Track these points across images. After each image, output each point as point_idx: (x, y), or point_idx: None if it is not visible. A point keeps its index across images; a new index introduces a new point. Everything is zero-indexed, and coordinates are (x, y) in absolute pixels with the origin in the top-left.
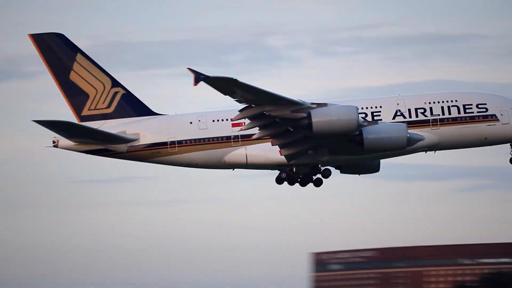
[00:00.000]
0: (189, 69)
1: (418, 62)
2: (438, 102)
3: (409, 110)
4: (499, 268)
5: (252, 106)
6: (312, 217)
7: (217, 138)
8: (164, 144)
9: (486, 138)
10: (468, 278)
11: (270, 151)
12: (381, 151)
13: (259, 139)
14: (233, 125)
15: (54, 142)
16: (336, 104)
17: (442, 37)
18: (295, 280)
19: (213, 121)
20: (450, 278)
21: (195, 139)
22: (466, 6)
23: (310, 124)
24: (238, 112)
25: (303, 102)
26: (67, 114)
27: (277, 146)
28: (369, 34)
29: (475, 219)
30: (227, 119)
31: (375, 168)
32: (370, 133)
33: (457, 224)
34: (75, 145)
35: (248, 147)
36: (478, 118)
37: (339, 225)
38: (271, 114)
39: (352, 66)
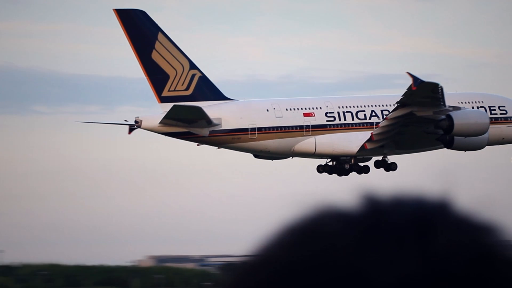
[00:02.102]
0: (408, 73)
1: None
2: (468, 102)
3: None
4: None
5: (405, 105)
6: None
7: (291, 127)
8: (245, 130)
9: (503, 139)
10: None
11: (337, 141)
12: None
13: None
14: (305, 115)
15: (136, 122)
16: (468, 108)
17: None
18: None
19: (287, 109)
20: None
21: (272, 127)
22: None
23: (451, 126)
24: (390, 112)
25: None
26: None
27: (352, 136)
28: None
29: None
30: (299, 108)
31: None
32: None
33: None
34: (159, 126)
35: (317, 137)
36: (500, 120)
37: None
38: (417, 114)
39: None
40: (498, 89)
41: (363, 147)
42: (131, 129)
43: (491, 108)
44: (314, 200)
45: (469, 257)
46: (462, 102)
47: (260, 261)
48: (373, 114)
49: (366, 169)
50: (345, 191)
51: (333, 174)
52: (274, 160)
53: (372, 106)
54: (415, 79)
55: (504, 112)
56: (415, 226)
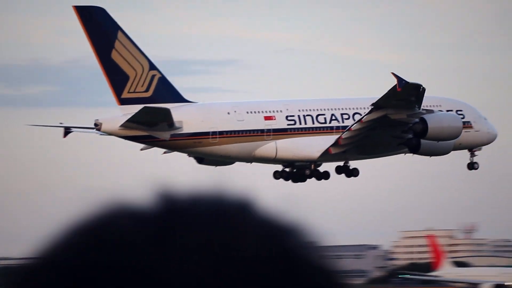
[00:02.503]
0: (393, 73)
1: None
2: (426, 106)
3: None
4: None
5: (379, 108)
6: None
7: (253, 131)
8: (206, 134)
9: (460, 144)
10: None
11: (298, 146)
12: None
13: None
14: (266, 118)
15: (96, 125)
16: (440, 111)
17: None
18: None
19: (247, 112)
20: None
21: (233, 131)
22: None
23: (425, 130)
24: (363, 115)
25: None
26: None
27: (313, 141)
28: None
29: None
30: (260, 111)
31: None
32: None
33: None
34: (120, 129)
35: (278, 141)
36: None
37: None
38: (391, 117)
39: None
40: (304, 75)
41: (326, 152)
42: (66, 132)
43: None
44: (106, 197)
45: (270, 257)
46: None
47: (43, 264)
48: (333, 117)
49: (326, 175)
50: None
51: (289, 181)
52: (217, 167)
53: (331, 109)
54: (399, 80)
55: (462, 116)
56: (214, 226)
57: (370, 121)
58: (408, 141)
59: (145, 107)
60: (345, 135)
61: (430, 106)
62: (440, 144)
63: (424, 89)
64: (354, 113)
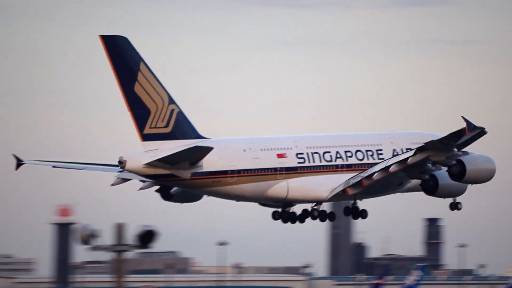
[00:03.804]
0: (463, 117)
1: None
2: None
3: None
4: None
5: (423, 150)
6: None
7: (267, 169)
8: (225, 172)
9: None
10: None
11: (309, 186)
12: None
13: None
14: (279, 156)
15: (121, 162)
16: (475, 153)
17: None
18: None
19: (261, 150)
20: None
21: (250, 169)
22: None
23: (463, 172)
24: (411, 156)
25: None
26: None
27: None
28: None
29: None
30: (272, 149)
31: None
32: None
33: None
34: (144, 167)
35: (289, 180)
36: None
37: None
38: (431, 159)
39: None
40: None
41: (343, 192)
42: (19, 164)
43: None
44: None
45: None
46: (413, 143)
47: None
48: (338, 155)
49: (332, 216)
50: None
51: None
52: (183, 204)
53: (336, 146)
54: (469, 124)
55: None
56: None
57: (414, 163)
58: (425, 183)
59: (196, 146)
60: (376, 176)
61: (421, 142)
62: (457, 186)
63: (486, 132)
64: (357, 150)
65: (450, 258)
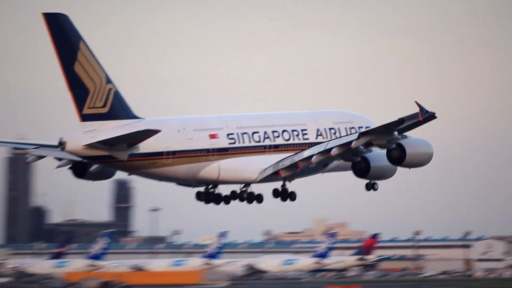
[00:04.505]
0: (416, 102)
1: None
2: (340, 122)
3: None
4: None
5: (366, 134)
6: None
7: (201, 150)
8: (161, 154)
9: None
10: None
11: (240, 167)
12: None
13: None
14: (211, 137)
15: (61, 143)
16: (413, 137)
17: None
18: None
19: (195, 130)
20: None
21: (184, 151)
22: None
23: (403, 156)
24: (354, 140)
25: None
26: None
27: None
28: None
29: None
30: (204, 129)
31: None
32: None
33: None
34: (83, 148)
35: (220, 162)
36: None
37: None
38: (373, 143)
39: None
40: None
41: (274, 174)
42: None
43: (360, 129)
44: None
45: None
46: (335, 122)
47: None
48: (266, 135)
49: (259, 198)
50: None
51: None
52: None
53: (264, 126)
54: (422, 109)
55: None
56: None
57: (356, 147)
58: (357, 165)
59: (146, 130)
60: (315, 158)
61: (343, 121)
62: (387, 168)
63: (436, 117)
64: (283, 130)
65: (141, 224)
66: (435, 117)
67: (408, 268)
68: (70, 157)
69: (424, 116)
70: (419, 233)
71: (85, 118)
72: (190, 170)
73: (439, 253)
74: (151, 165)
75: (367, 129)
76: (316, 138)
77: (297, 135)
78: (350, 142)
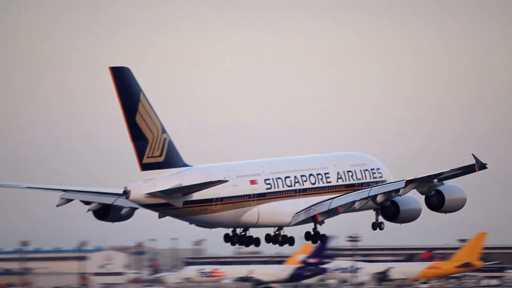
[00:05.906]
0: (473, 155)
1: None
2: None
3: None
4: None
5: (412, 181)
6: None
7: (244, 196)
8: (210, 200)
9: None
10: None
11: (276, 211)
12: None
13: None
14: (251, 182)
15: (126, 192)
16: (449, 183)
17: None
18: None
19: (237, 177)
20: None
21: (230, 197)
22: None
23: (442, 202)
24: (402, 188)
25: None
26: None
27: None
28: None
29: None
30: (245, 175)
31: None
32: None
33: None
34: (145, 197)
35: (259, 206)
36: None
37: None
38: (417, 190)
39: None
40: None
41: (311, 218)
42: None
43: (372, 170)
44: None
45: None
46: (352, 165)
47: None
48: (296, 180)
49: (291, 241)
50: None
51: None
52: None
53: (293, 171)
54: (477, 161)
55: (381, 175)
56: None
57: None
58: (387, 209)
59: (210, 182)
60: (357, 204)
61: (358, 164)
62: (414, 211)
63: (486, 168)
64: (310, 174)
65: None
66: (486, 168)
67: (15, 283)
68: (132, 205)
69: (480, 168)
70: (27, 244)
71: (144, 167)
72: (234, 215)
73: (50, 266)
74: (202, 211)
75: (414, 178)
76: (337, 181)
77: (321, 178)
78: (398, 189)
